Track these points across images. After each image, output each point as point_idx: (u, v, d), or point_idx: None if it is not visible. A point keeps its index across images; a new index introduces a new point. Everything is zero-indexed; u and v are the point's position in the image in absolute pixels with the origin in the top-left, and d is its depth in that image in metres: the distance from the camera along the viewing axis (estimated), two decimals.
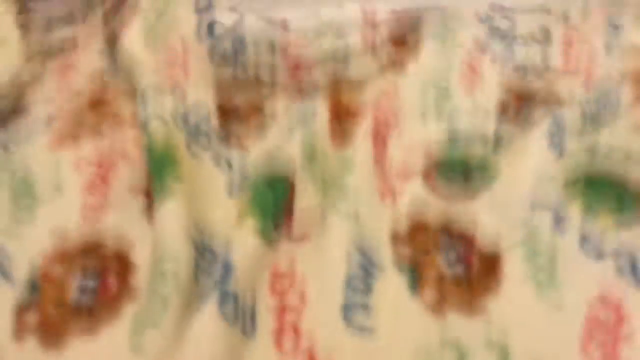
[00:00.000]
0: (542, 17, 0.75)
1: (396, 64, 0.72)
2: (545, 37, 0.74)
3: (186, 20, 0.66)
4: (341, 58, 0.69)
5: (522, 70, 0.75)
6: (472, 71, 0.73)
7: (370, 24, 0.74)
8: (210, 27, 0.65)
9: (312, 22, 0.73)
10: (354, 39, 0.69)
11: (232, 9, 0.66)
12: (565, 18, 0.75)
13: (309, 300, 0.46)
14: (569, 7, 0.78)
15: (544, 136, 0.59)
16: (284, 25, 0.71)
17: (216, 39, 0.66)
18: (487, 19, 0.74)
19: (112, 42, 0.66)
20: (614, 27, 0.74)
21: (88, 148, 0.60)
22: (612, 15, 0.75)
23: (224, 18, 0.65)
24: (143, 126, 0.56)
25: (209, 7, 0.65)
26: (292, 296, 0.46)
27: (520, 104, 0.70)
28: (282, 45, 0.66)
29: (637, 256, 0.50)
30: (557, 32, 0.74)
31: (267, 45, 0.66)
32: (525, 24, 0.74)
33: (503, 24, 0.74)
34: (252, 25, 0.66)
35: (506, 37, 0.74)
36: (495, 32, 0.74)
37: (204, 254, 0.49)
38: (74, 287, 0.46)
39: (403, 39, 0.72)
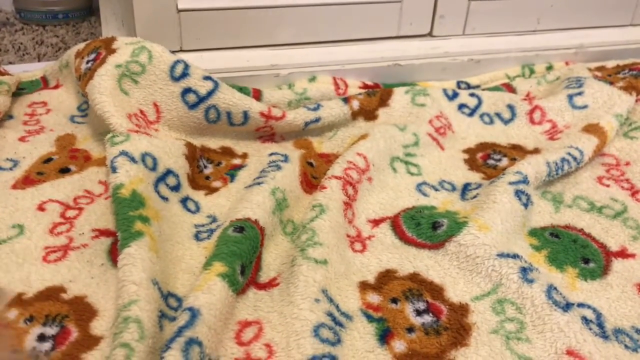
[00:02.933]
0: (507, 96, 0.78)
1: (367, 111, 0.73)
2: (510, 113, 0.77)
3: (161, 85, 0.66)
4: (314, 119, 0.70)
5: (488, 121, 0.77)
6: (441, 122, 0.74)
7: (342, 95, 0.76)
8: (184, 95, 0.66)
9: (284, 93, 0.74)
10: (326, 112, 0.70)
11: (207, 77, 0.66)
12: (530, 97, 0.78)
13: (275, 352, 0.45)
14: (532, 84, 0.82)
15: (511, 186, 0.60)
16: (257, 96, 0.72)
17: (190, 107, 0.66)
18: (454, 96, 0.77)
19: (85, 81, 0.66)
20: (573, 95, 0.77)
21: (53, 188, 0.58)
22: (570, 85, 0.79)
23: (199, 86, 0.65)
24: (111, 166, 0.55)
25: (185, 75, 0.65)
26: (258, 348, 0.45)
27: (487, 155, 0.71)
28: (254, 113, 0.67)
29: (602, 309, 0.50)
30: (522, 108, 0.77)
31: (240, 113, 0.66)
32: (491, 101, 0.77)
33: (470, 101, 0.77)
34: (226, 95, 0.66)
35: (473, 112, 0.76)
36: (463, 107, 0.76)
37: (168, 299, 0.48)
38: (32, 334, 0.44)
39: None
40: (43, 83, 0.77)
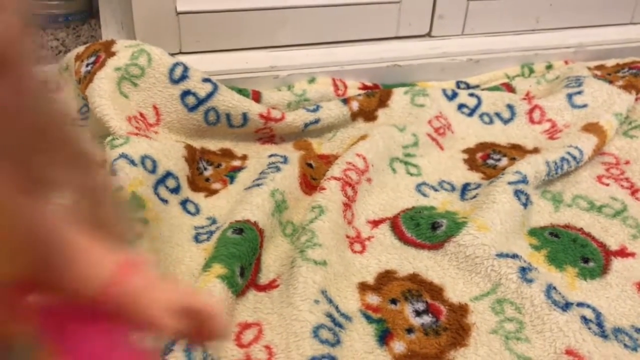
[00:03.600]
0: (507, 96, 0.78)
1: (367, 112, 0.73)
2: (510, 112, 0.77)
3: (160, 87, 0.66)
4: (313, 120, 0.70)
5: (488, 120, 0.77)
6: (441, 122, 0.74)
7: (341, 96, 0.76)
8: (184, 97, 0.66)
9: (284, 95, 0.74)
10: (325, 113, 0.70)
11: (206, 80, 0.66)
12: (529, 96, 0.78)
13: (275, 353, 0.45)
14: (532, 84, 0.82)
15: (510, 186, 0.60)
16: (256, 98, 0.72)
17: (190, 109, 0.66)
18: (454, 96, 0.77)
19: (85, 84, 0.66)
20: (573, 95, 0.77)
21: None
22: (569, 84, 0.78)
23: (198, 89, 0.66)
24: (111, 168, 0.55)
25: (184, 77, 0.66)
26: (258, 350, 0.45)
27: (486, 154, 0.71)
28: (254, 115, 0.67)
29: (601, 309, 0.50)
30: (522, 107, 0.77)
31: (239, 115, 0.67)
32: (491, 101, 0.77)
33: (469, 101, 0.77)
34: (225, 97, 0.66)
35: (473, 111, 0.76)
36: (462, 107, 0.76)
37: None
38: None
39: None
40: None
